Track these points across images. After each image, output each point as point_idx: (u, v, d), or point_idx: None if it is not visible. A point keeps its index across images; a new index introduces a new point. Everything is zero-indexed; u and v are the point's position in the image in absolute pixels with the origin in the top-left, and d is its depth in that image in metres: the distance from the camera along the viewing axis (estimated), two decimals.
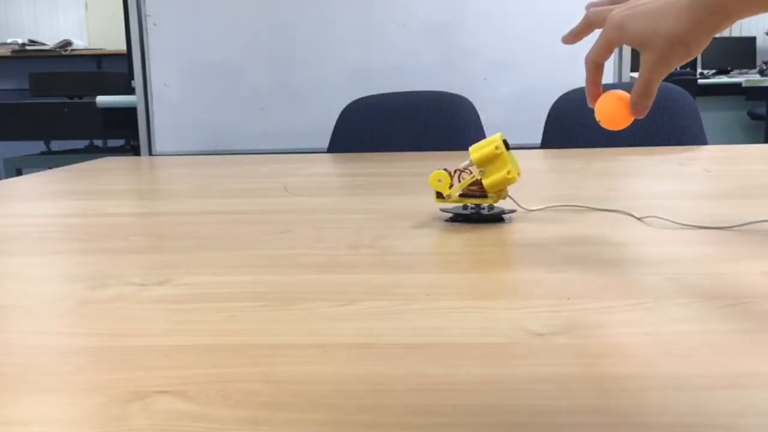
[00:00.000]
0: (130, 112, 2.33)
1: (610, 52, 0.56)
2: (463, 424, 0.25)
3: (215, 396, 0.28)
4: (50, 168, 1.24)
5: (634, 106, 0.54)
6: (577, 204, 0.70)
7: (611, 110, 0.56)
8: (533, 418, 0.26)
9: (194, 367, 0.31)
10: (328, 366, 0.31)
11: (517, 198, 0.67)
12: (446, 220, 0.64)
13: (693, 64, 5.34)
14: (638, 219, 0.62)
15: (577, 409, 0.26)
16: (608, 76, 2.08)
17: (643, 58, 0.53)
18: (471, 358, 0.31)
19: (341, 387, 0.29)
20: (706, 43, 0.51)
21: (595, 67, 0.57)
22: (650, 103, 0.55)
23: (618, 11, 0.54)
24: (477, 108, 1.68)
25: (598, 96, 0.58)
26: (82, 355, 0.33)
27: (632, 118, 0.56)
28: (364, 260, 0.50)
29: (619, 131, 1.67)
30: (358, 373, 0.30)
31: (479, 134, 1.65)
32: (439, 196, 0.64)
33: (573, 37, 0.59)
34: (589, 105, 0.58)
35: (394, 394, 0.28)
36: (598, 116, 0.57)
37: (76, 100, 3.61)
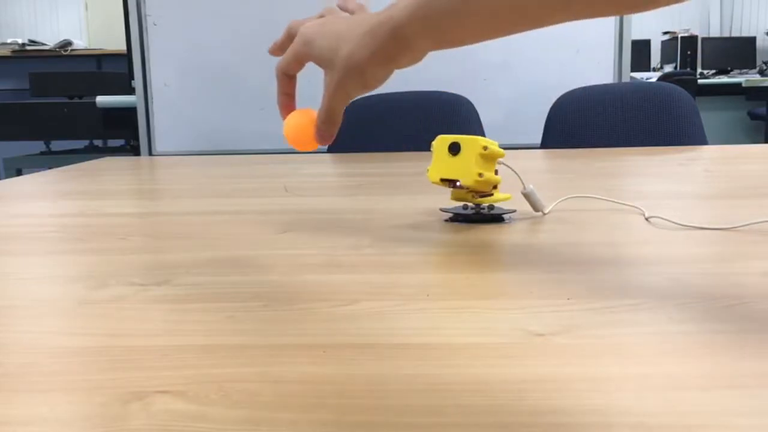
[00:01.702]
0: (130, 112, 2.33)
1: (301, 65, 0.53)
2: (463, 424, 0.25)
3: (215, 396, 0.28)
4: (50, 168, 1.24)
5: (318, 131, 0.52)
6: (588, 195, 0.70)
7: (298, 130, 0.53)
8: (533, 418, 0.26)
9: (194, 367, 0.31)
10: (328, 366, 0.31)
11: (520, 198, 0.67)
12: (446, 220, 0.64)
13: (693, 65, 5.35)
14: (646, 218, 0.62)
15: (577, 409, 0.26)
16: (608, 76, 2.08)
17: (325, 82, 0.50)
18: (471, 358, 0.31)
19: (341, 387, 0.29)
20: (383, 76, 0.48)
21: (284, 76, 0.54)
22: (335, 130, 0.52)
23: (310, 25, 0.52)
24: (477, 108, 1.68)
25: (291, 109, 0.55)
26: (82, 355, 0.33)
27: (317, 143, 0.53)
28: (364, 260, 0.50)
29: (619, 131, 1.67)
30: (358, 373, 0.30)
31: (479, 134, 1.65)
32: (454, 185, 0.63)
33: (276, 48, 0.57)
34: (281, 117, 0.55)
35: (394, 394, 0.28)
36: (285, 132, 0.54)
37: (76, 100, 3.61)
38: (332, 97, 0.49)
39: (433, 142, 0.62)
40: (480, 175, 0.59)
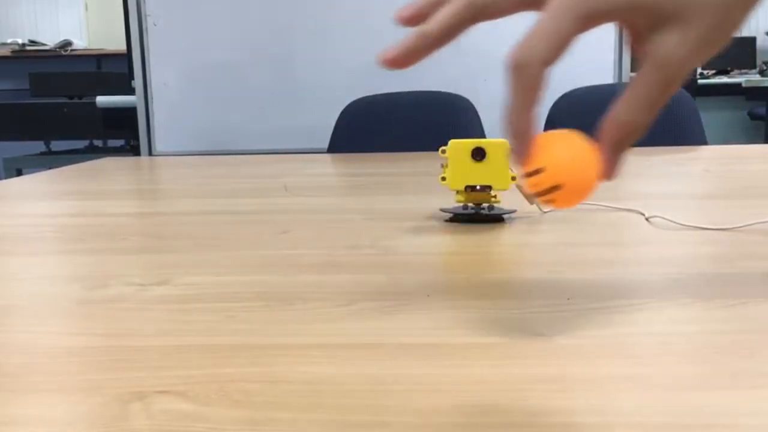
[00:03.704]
0: (130, 112, 2.33)
1: (569, 47, 0.33)
2: (463, 424, 0.25)
3: (215, 396, 0.28)
4: (50, 168, 1.24)
5: (620, 140, 0.33)
6: (587, 202, 0.70)
7: (581, 168, 0.33)
8: (533, 418, 0.26)
9: (194, 367, 0.31)
10: (328, 366, 0.31)
11: (518, 198, 0.66)
12: (446, 221, 0.64)
13: None
14: (646, 218, 0.62)
15: (577, 409, 0.26)
16: (608, 76, 2.08)
17: (671, 39, 0.32)
18: (471, 358, 0.31)
19: (341, 387, 0.29)
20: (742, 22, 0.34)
21: (542, 68, 0.32)
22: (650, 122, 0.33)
23: None
24: (477, 108, 1.68)
25: (533, 135, 0.33)
26: (82, 355, 0.33)
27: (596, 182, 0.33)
28: (364, 260, 0.50)
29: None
30: (358, 373, 0.30)
31: (479, 135, 1.65)
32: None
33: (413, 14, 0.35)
34: (519, 154, 0.33)
35: (394, 394, 0.28)
36: (556, 178, 0.32)
37: (76, 100, 3.61)
38: (683, 66, 0.32)
39: (447, 148, 0.61)
40: (513, 178, 0.60)
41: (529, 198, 0.65)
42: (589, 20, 0.32)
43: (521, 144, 0.33)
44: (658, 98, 0.33)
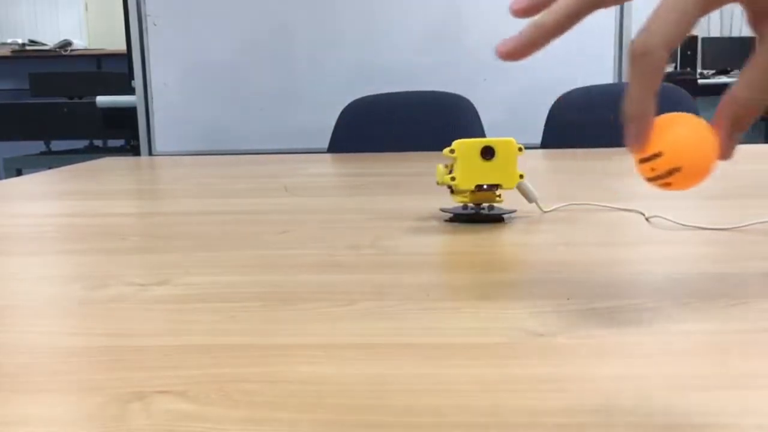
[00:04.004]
0: (130, 112, 2.33)
1: (691, 30, 0.32)
2: (462, 424, 0.25)
3: (215, 396, 0.28)
4: (50, 168, 1.24)
5: (741, 120, 0.33)
6: (587, 203, 0.70)
7: (700, 147, 0.33)
8: (533, 418, 0.26)
9: (194, 367, 0.31)
10: (328, 366, 0.31)
11: (518, 198, 0.67)
12: (446, 221, 0.64)
13: (693, 64, 5.35)
14: (646, 218, 0.62)
15: (577, 409, 0.26)
16: (608, 76, 2.08)
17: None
18: (471, 358, 0.31)
19: (341, 387, 0.29)
20: None
21: (665, 52, 0.32)
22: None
23: None
24: (477, 108, 1.68)
25: (651, 124, 0.33)
26: (82, 355, 0.33)
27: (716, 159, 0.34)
28: (364, 260, 0.50)
29: (619, 131, 1.66)
30: (358, 373, 0.30)
31: (479, 134, 1.65)
32: (452, 191, 0.64)
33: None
34: (639, 136, 0.33)
35: (394, 394, 0.28)
36: (674, 161, 0.33)
37: (76, 100, 3.61)
38: None
39: (454, 147, 0.61)
40: (521, 176, 0.60)
41: (529, 196, 0.65)
42: (711, 2, 0.32)
43: (641, 129, 0.33)
44: None
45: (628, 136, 0.34)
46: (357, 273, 0.47)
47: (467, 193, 0.62)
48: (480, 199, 0.63)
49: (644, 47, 0.32)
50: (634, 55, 0.32)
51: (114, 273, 0.48)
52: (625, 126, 0.33)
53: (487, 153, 0.60)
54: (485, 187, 0.61)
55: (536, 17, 0.35)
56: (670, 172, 0.33)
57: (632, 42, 0.32)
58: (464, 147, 0.60)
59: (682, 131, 0.33)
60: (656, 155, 0.33)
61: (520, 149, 0.60)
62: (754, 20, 0.34)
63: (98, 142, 3.73)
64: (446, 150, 0.61)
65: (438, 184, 0.65)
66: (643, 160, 0.34)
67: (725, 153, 0.34)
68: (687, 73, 4.94)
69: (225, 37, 2.10)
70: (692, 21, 0.32)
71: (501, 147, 0.60)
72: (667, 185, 0.33)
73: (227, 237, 0.60)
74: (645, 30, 0.32)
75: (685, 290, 0.41)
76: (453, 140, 0.61)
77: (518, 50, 0.35)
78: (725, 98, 0.34)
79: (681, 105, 1.55)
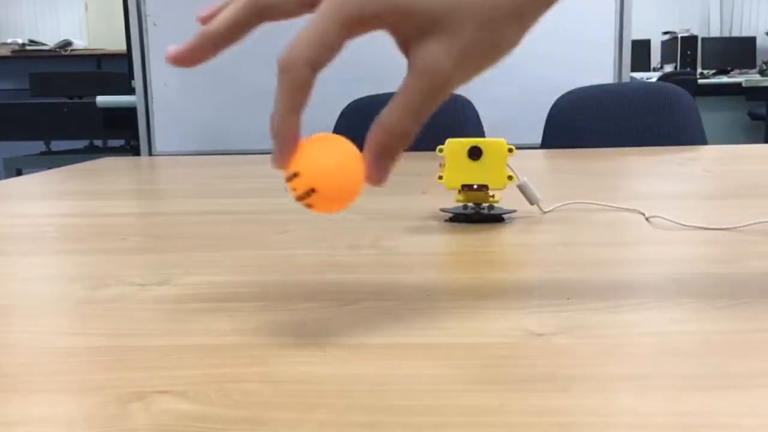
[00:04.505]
0: (130, 112, 2.33)
1: (347, 39, 0.32)
2: (463, 424, 0.25)
3: (215, 396, 0.28)
4: (50, 168, 1.24)
5: (386, 152, 0.33)
6: (587, 201, 0.70)
7: (343, 174, 0.33)
8: (533, 418, 0.26)
9: (194, 367, 0.31)
10: (328, 366, 0.31)
11: (519, 198, 0.67)
12: (446, 221, 0.64)
13: (693, 64, 5.35)
14: (646, 218, 0.62)
15: (577, 409, 0.26)
16: (608, 76, 2.08)
17: (434, 48, 0.32)
18: (471, 358, 0.31)
19: (341, 387, 0.29)
20: (519, 39, 0.33)
21: (307, 74, 0.32)
22: (405, 144, 0.33)
23: None
24: (477, 108, 1.68)
25: (297, 140, 0.33)
26: (82, 355, 0.33)
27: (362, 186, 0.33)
28: (364, 260, 0.50)
29: (619, 131, 1.67)
30: (358, 373, 0.30)
31: (479, 134, 1.65)
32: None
33: (226, 21, 0.35)
34: (279, 156, 0.33)
35: (394, 394, 0.28)
36: (314, 183, 0.32)
37: (76, 100, 3.61)
38: (447, 78, 0.32)
39: (444, 147, 0.61)
40: (510, 178, 0.60)
41: (531, 198, 0.65)
42: (353, 25, 0.32)
43: (282, 147, 0.32)
44: (423, 106, 0.32)
45: (272, 154, 0.33)
46: (357, 273, 0.47)
47: (463, 193, 0.63)
48: (475, 199, 0.63)
49: (286, 62, 0.32)
50: (278, 68, 0.32)
51: (114, 273, 0.48)
52: (272, 142, 0.33)
53: (474, 153, 0.60)
54: (475, 187, 0.61)
55: (204, 27, 0.35)
56: (308, 193, 0.32)
57: (279, 58, 0.32)
58: (452, 146, 0.61)
59: (321, 153, 0.33)
60: (295, 175, 0.32)
61: (510, 150, 0.60)
62: (404, 45, 0.34)
63: (98, 142, 3.73)
64: (438, 149, 0.62)
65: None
66: (287, 179, 0.33)
67: (373, 178, 0.33)
68: (687, 73, 4.94)
69: None
70: (335, 42, 0.32)
71: (489, 147, 0.60)
72: (309, 206, 0.33)
73: (227, 237, 0.60)
74: (289, 47, 0.32)
75: (685, 290, 0.41)
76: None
77: (186, 57, 0.35)
78: (373, 124, 0.33)
79: (681, 104, 1.55)
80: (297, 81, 0.31)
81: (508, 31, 0.33)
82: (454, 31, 0.32)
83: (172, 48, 0.36)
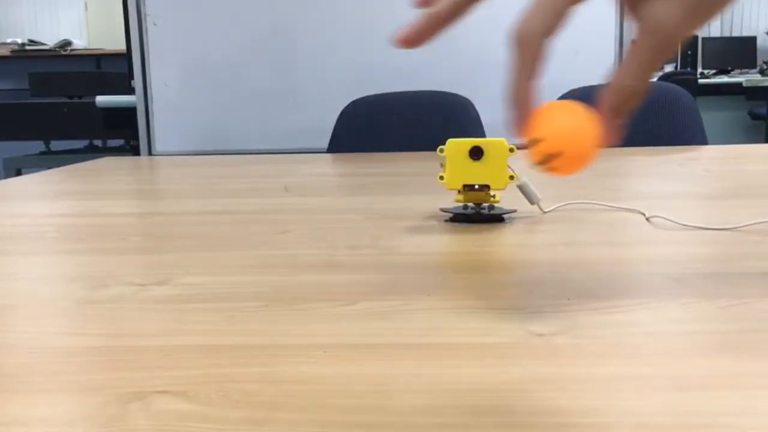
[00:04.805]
0: (130, 112, 2.33)
1: (567, 18, 0.33)
2: (463, 424, 0.25)
3: (215, 396, 0.28)
4: (50, 168, 1.24)
5: (618, 103, 0.34)
6: (587, 201, 0.70)
7: (580, 134, 0.34)
8: (533, 418, 0.26)
9: (194, 367, 0.31)
10: (328, 366, 0.31)
11: (519, 198, 0.66)
12: (446, 221, 0.64)
13: (693, 64, 5.35)
14: (646, 218, 0.62)
15: (577, 409, 0.26)
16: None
17: (664, 5, 0.32)
18: (471, 358, 0.31)
19: (341, 387, 0.29)
20: None
21: (540, 41, 0.33)
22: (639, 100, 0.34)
23: None
24: (477, 108, 1.68)
25: (533, 106, 0.34)
26: (82, 355, 0.33)
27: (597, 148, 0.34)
28: (364, 260, 0.50)
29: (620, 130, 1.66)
30: (358, 373, 0.30)
31: (479, 134, 1.65)
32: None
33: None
34: (517, 122, 0.35)
35: (394, 394, 0.28)
36: (554, 146, 0.34)
37: (76, 100, 3.61)
38: (677, 32, 0.32)
39: (445, 147, 0.61)
40: (511, 178, 0.60)
41: (531, 198, 0.65)
42: None
43: (521, 114, 0.34)
44: (652, 63, 0.33)
45: (511, 122, 0.35)
46: (357, 273, 0.47)
47: (463, 193, 0.63)
48: (475, 199, 0.63)
49: (520, 34, 0.33)
50: (512, 41, 0.33)
51: (114, 273, 0.48)
52: (509, 111, 0.34)
53: (476, 153, 0.60)
54: (476, 187, 0.61)
55: (429, 7, 0.36)
56: (552, 157, 0.34)
57: (512, 29, 0.33)
58: (453, 146, 0.61)
59: (563, 118, 0.34)
60: (538, 140, 0.34)
61: (512, 150, 0.60)
62: (631, 6, 0.34)
63: (98, 142, 3.73)
64: (439, 149, 0.62)
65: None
66: (528, 145, 0.35)
67: (608, 138, 0.35)
68: (687, 73, 4.94)
69: (225, 37, 2.10)
70: (565, 10, 0.33)
71: (490, 147, 0.60)
72: (552, 169, 0.34)
73: (227, 237, 0.60)
74: (521, 18, 0.33)
75: (685, 290, 0.41)
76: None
77: (413, 38, 0.36)
78: (606, 86, 0.34)
79: (681, 104, 1.55)
80: (532, 51, 0.33)
81: None
82: None
83: (400, 31, 0.37)
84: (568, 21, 0.33)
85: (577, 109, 0.35)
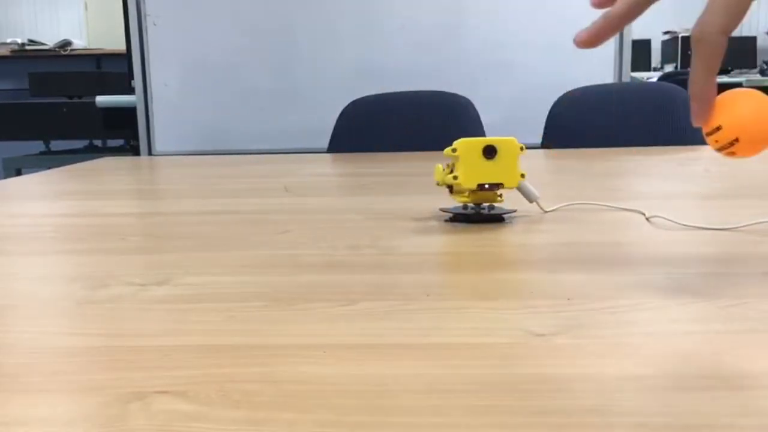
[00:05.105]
0: (129, 112, 2.33)
1: (745, 15, 0.36)
2: (463, 424, 0.25)
3: (215, 396, 0.28)
4: (50, 168, 1.24)
5: None
6: (587, 201, 0.70)
7: (757, 119, 0.37)
8: (533, 418, 0.26)
9: (194, 367, 0.31)
10: (328, 366, 0.31)
11: (519, 198, 0.67)
12: (446, 221, 0.64)
13: None
14: (646, 218, 0.62)
15: (577, 409, 0.26)
16: (608, 76, 2.08)
17: None
18: (471, 358, 0.31)
19: (341, 387, 0.29)
20: None
21: (724, 35, 0.36)
22: None
23: None
24: (477, 108, 1.68)
25: (712, 101, 0.37)
26: (82, 355, 0.33)
27: None
28: (364, 260, 0.50)
29: (619, 131, 1.67)
30: (358, 373, 0.30)
31: (479, 134, 1.65)
32: (451, 191, 0.65)
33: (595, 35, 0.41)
34: (701, 110, 0.38)
35: (394, 394, 0.28)
36: (734, 133, 0.37)
37: (76, 100, 3.61)
38: None
39: (456, 146, 0.61)
40: (522, 176, 0.60)
41: (529, 196, 0.65)
42: None
43: (703, 106, 0.37)
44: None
45: (693, 113, 0.38)
46: (357, 273, 0.47)
47: (467, 193, 0.63)
48: (480, 199, 0.63)
49: (702, 34, 0.36)
50: (693, 40, 0.36)
51: (114, 273, 0.48)
52: (691, 104, 0.37)
53: (489, 152, 0.60)
54: (487, 186, 0.61)
55: (607, 9, 0.40)
56: (731, 143, 0.37)
57: (693, 29, 0.36)
58: (466, 146, 0.61)
59: (739, 106, 0.38)
60: (718, 128, 0.37)
61: (521, 148, 0.61)
62: None
63: (98, 142, 3.73)
64: (447, 150, 0.61)
65: (438, 184, 0.65)
66: (708, 134, 0.38)
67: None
68: (687, 73, 4.93)
69: (225, 37, 2.10)
70: (744, 7, 0.36)
71: (503, 146, 0.60)
72: (732, 154, 0.38)
73: (227, 237, 0.60)
74: (702, 18, 0.36)
75: (685, 290, 0.41)
76: (453, 140, 0.62)
77: (592, 38, 0.40)
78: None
79: (681, 104, 1.55)
80: (712, 48, 0.36)
81: None
82: None
83: (580, 33, 0.41)
84: (744, 18, 0.36)
85: (754, 96, 0.38)
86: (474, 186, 0.61)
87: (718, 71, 0.37)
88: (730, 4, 0.35)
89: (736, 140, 0.37)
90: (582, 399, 0.27)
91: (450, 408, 0.27)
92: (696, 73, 0.37)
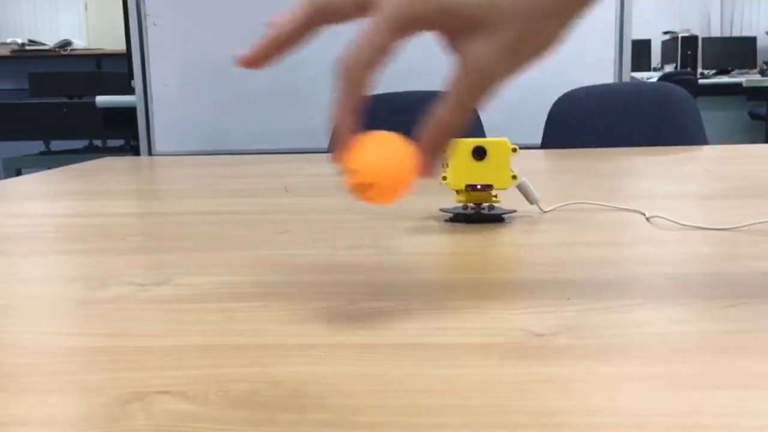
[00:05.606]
0: (129, 112, 2.33)
1: (399, 40, 0.34)
2: (463, 424, 0.25)
3: (215, 396, 0.28)
4: (50, 168, 1.24)
5: (435, 142, 0.35)
6: (587, 201, 0.70)
7: (392, 168, 0.35)
8: (533, 418, 0.26)
9: (194, 367, 0.31)
10: (328, 366, 0.31)
11: (518, 198, 0.67)
12: (446, 220, 0.64)
13: (693, 64, 5.35)
14: (646, 218, 0.62)
15: (577, 409, 0.26)
16: (608, 76, 2.08)
17: (469, 56, 0.34)
18: (471, 358, 0.31)
19: (341, 387, 0.29)
20: (561, 36, 0.34)
21: (364, 74, 0.34)
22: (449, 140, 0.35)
23: None
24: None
25: (353, 136, 0.35)
26: (82, 355, 0.33)
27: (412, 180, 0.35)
28: (364, 260, 0.50)
29: (619, 131, 1.67)
30: (358, 373, 0.30)
31: (479, 134, 1.65)
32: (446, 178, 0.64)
33: (290, 32, 0.37)
34: (336, 152, 0.36)
35: (394, 394, 0.28)
36: (362, 178, 0.35)
37: (76, 100, 3.61)
38: (493, 72, 0.33)
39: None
40: (514, 177, 0.60)
41: (530, 197, 0.65)
42: (405, 27, 0.34)
43: (340, 143, 0.35)
44: (469, 101, 0.34)
45: (330, 150, 0.35)
46: (357, 273, 0.47)
47: (465, 193, 0.63)
48: (476, 199, 0.63)
49: (345, 66, 0.34)
50: (338, 72, 0.34)
51: (114, 273, 0.48)
52: (329, 139, 0.36)
53: (479, 153, 0.60)
54: (479, 187, 0.61)
55: (270, 30, 0.37)
56: (366, 187, 0.35)
57: (337, 60, 0.34)
58: (456, 147, 0.61)
59: (376, 151, 0.35)
60: (352, 170, 0.35)
61: (514, 150, 0.60)
62: (451, 44, 0.36)
63: (98, 142, 3.73)
64: None
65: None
66: (344, 174, 0.35)
67: (425, 171, 0.36)
68: (687, 73, 4.94)
69: (225, 37, 2.10)
70: (389, 45, 0.34)
71: (493, 147, 0.60)
72: (367, 199, 0.35)
73: (227, 237, 0.60)
74: (347, 52, 0.34)
75: (685, 290, 0.41)
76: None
77: (254, 59, 0.37)
78: (425, 120, 0.35)
79: (681, 104, 1.55)
80: (354, 83, 0.34)
81: (549, 28, 0.34)
82: (497, 29, 0.33)
83: (244, 51, 0.38)
84: (392, 56, 0.34)
85: (392, 141, 0.36)
86: (462, 187, 0.61)
87: (360, 108, 0.35)
88: (374, 39, 0.34)
89: (371, 185, 0.35)
90: (582, 399, 0.27)
91: (450, 408, 0.27)
92: (337, 107, 0.35)
